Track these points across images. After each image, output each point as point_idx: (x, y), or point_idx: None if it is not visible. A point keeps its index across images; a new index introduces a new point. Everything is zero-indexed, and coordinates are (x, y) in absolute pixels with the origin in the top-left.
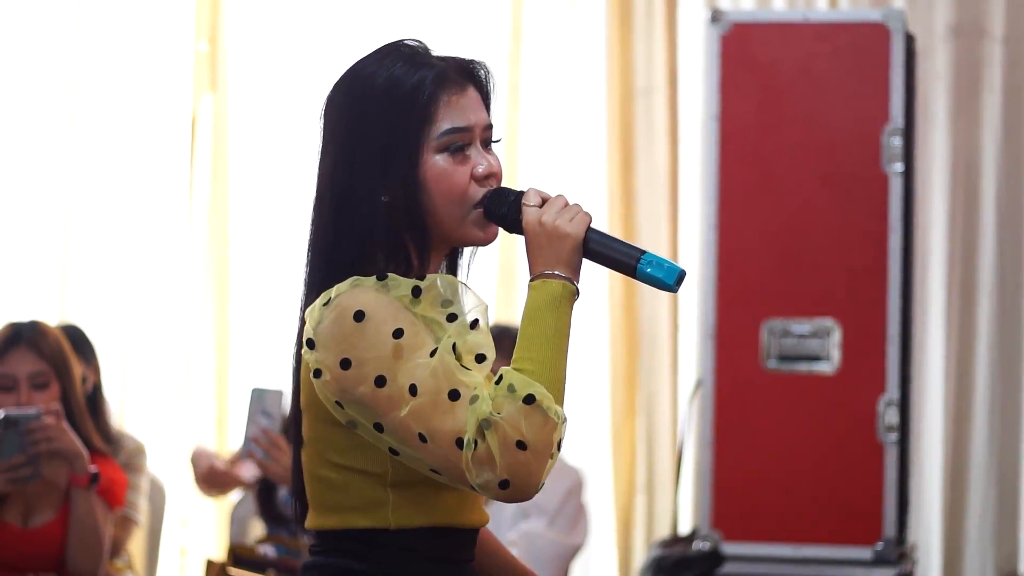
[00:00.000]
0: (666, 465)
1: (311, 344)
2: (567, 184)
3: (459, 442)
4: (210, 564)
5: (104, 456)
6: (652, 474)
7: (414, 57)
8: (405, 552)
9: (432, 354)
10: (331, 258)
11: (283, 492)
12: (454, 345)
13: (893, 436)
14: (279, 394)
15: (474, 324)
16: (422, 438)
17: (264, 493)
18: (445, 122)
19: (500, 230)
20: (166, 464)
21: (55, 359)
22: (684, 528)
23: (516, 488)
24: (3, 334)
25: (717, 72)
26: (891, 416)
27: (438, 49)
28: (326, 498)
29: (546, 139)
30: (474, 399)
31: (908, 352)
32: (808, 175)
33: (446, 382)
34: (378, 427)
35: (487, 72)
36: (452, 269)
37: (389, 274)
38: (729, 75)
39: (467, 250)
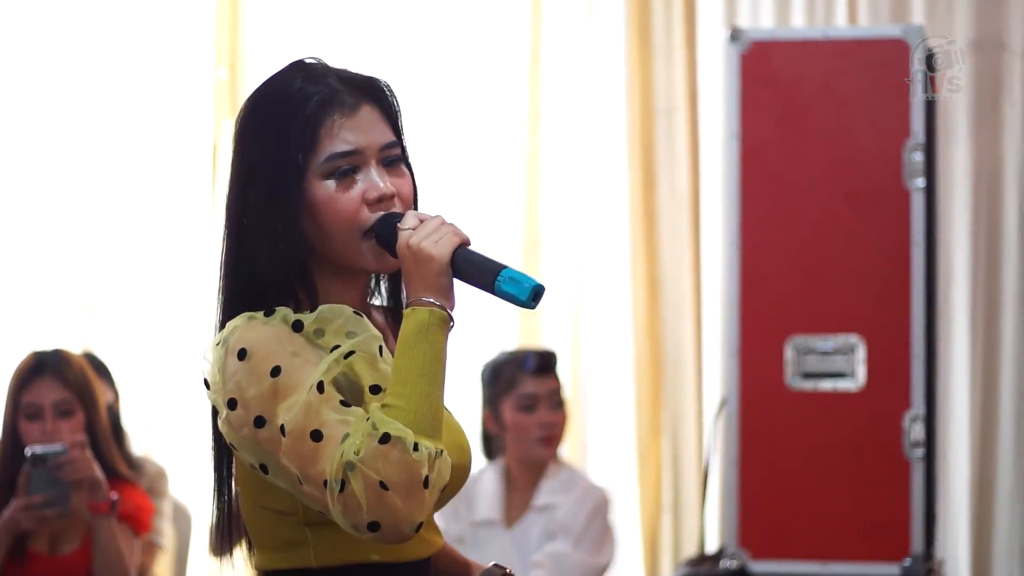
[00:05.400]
0: (692, 484)
1: (207, 384)
2: (589, 204)
3: (325, 484)
4: None
5: (130, 483)
6: (678, 493)
7: (307, 77)
8: None
9: (308, 393)
10: (234, 290)
11: None
12: (346, 374)
13: (919, 451)
14: None
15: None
16: (299, 480)
17: None
18: (329, 147)
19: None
20: (192, 489)
21: (80, 387)
22: (711, 547)
23: (387, 529)
24: (28, 363)
25: (737, 91)
26: (917, 432)
27: (337, 66)
28: (257, 539)
29: (567, 160)
30: (345, 438)
31: (933, 367)
32: (830, 192)
33: (314, 420)
34: (263, 468)
35: (389, 90)
36: (395, 293)
37: (278, 308)
38: (749, 93)
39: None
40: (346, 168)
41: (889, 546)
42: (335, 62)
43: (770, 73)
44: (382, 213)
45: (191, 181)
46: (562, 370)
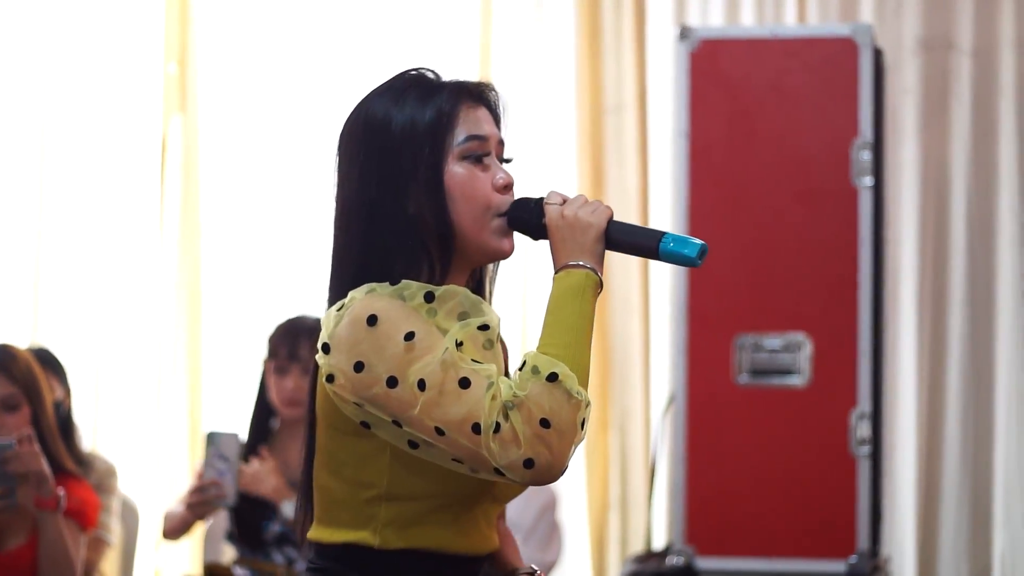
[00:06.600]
0: (639, 481)
1: (326, 348)
2: None
3: (475, 427)
4: None
5: (77, 478)
6: (626, 490)
7: (428, 81)
8: (385, 573)
9: (444, 353)
10: (355, 272)
11: (267, 518)
12: (461, 343)
13: (865, 449)
14: (234, 437)
15: (483, 328)
16: (438, 431)
17: (242, 516)
18: (463, 131)
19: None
20: (139, 485)
21: (26, 382)
22: (658, 544)
23: (541, 467)
24: None
25: (686, 89)
26: (863, 429)
27: (448, 74)
28: (324, 510)
29: (516, 157)
30: (491, 386)
31: (879, 365)
32: (778, 190)
33: (455, 372)
34: (397, 423)
35: (497, 94)
36: (479, 293)
37: (403, 280)
38: (698, 92)
39: (488, 273)
40: (480, 153)
41: (835, 543)
42: (282, 60)
43: (719, 71)
44: (508, 199)
45: (140, 176)
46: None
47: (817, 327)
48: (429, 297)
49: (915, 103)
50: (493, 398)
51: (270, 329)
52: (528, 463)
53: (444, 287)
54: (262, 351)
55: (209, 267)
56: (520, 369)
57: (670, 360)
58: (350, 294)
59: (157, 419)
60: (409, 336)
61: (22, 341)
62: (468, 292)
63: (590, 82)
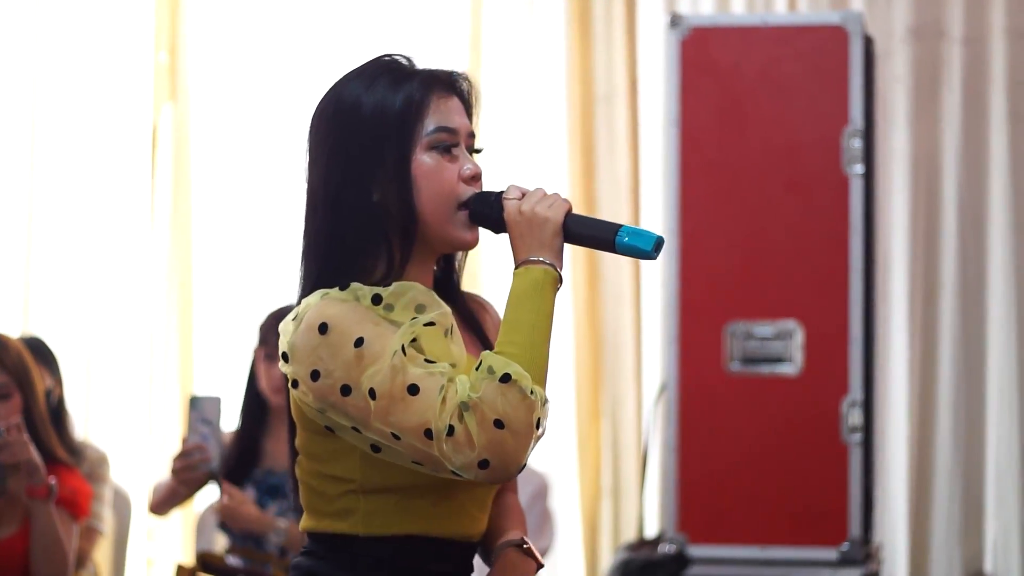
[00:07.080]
0: (632, 469)
1: (286, 357)
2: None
3: (427, 433)
4: (180, 569)
5: (68, 467)
6: (618, 478)
7: (401, 67)
8: (371, 559)
9: (393, 358)
10: (323, 262)
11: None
12: (415, 339)
13: (857, 437)
14: (217, 401)
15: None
16: (395, 436)
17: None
18: (433, 121)
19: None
20: (131, 475)
21: (17, 371)
22: (650, 531)
23: (496, 467)
24: None
25: (677, 77)
26: (855, 417)
27: (421, 62)
28: (310, 502)
29: (507, 146)
30: (442, 388)
31: (871, 353)
32: (769, 178)
33: (403, 378)
34: (356, 430)
35: (469, 84)
36: (448, 280)
37: (353, 283)
38: (689, 79)
39: (457, 261)
40: (448, 144)
41: (827, 530)
42: (273, 49)
43: (710, 59)
44: (475, 190)
45: (131, 165)
46: None
47: (808, 315)
48: (376, 299)
49: (906, 91)
50: (444, 401)
51: (261, 318)
52: (483, 464)
53: (393, 286)
54: (253, 339)
55: (200, 256)
56: (477, 368)
57: (662, 348)
58: (304, 301)
59: (149, 408)
60: (359, 343)
61: (13, 330)
62: (419, 286)
63: (581, 70)
